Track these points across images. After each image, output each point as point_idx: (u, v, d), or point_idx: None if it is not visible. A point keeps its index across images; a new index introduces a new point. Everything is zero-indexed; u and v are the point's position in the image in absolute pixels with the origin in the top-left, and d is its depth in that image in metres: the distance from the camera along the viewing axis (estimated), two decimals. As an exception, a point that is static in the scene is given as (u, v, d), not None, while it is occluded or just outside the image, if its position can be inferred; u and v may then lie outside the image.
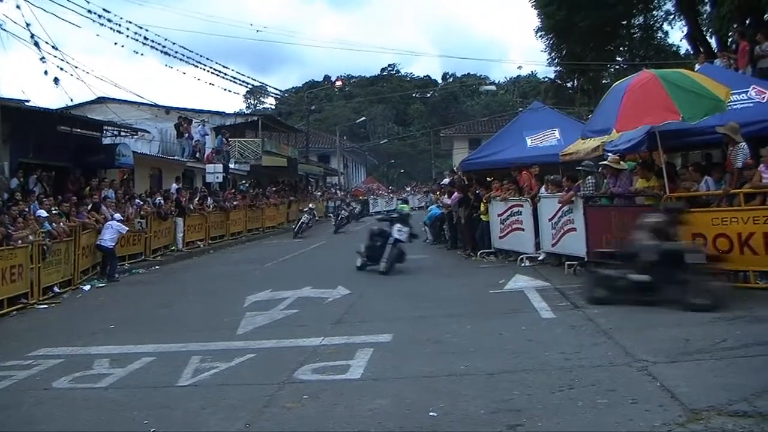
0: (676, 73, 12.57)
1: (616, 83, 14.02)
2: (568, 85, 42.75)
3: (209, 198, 29.62)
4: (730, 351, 7.25)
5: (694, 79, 12.00)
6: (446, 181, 27.07)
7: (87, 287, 16.84)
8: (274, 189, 41.14)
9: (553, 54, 38.06)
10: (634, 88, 12.00)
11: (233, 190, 35.39)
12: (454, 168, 34.29)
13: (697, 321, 8.79)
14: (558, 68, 40.32)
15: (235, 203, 32.02)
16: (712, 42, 27.49)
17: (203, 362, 8.32)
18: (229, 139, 39.25)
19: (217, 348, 9.18)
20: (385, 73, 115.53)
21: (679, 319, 8.95)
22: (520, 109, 42.12)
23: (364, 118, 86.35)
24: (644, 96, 11.68)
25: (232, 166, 38.49)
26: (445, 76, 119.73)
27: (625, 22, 35.72)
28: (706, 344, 7.55)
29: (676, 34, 77.56)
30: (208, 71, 32.45)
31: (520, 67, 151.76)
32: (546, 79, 51.48)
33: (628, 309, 9.92)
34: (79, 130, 23.51)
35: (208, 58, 48.06)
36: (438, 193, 28.76)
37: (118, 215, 19.14)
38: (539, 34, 37.82)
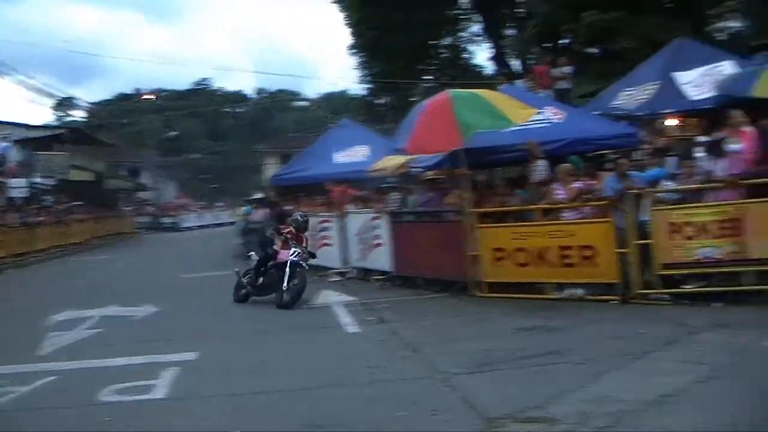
0: (474, 94, 13.04)
1: (420, 102, 14.41)
2: (380, 102, 43.60)
3: (14, 213, 27.83)
4: (527, 360, 7.57)
5: (489, 101, 12.42)
6: (258, 195, 26.88)
7: None
8: (81, 204, 39.34)
9: (364, 71, 38.74)
10: (429, 110, 12.47)
11: (38, 206, 33.52)
12: (263, 184, 34.11)
13: (499, 333, 9.14)
14: (369, 85, 41.06)
15: (40, 219, 30.28)
16: (516, 64, 29.04)
17: (-2, 387, 7.69)
18: (35, 153, 37.28)
19: (15, 371, 8.47)
20: (198, 87, 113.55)
21: (482, 332, 9.30)
22: (331, 125, 42.51)
23: (177, 132, 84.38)
24: (435, 119, 12.13)
25: (38, 180, 36.45)
26: (259, 92, 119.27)
27: (434, 42, 36.86)
28: (505, 355, 7.84)
29: (483, 54, 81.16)
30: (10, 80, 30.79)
31: (334, 84, 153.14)
32: (358, 96, 52.24)
33: (433, 323, 10.20)
34: None
35: (13, 68, 45.22)
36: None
37: None
38: (352, 51, 38.43)
